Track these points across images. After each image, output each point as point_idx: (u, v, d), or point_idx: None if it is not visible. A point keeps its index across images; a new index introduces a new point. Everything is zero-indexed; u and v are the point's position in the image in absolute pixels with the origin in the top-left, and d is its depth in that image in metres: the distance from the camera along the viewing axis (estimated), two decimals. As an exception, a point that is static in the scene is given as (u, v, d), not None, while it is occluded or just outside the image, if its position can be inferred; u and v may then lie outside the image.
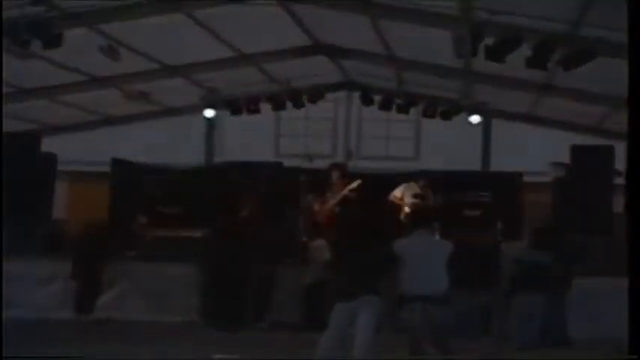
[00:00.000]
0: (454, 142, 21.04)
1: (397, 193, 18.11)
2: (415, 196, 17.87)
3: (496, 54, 13.59)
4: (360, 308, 9.62)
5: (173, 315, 15.26)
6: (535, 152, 19.61)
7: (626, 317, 10.90)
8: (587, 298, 13.53)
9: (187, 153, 21.86)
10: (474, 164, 21.26)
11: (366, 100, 21.01)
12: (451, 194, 18.65)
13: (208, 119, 21.59)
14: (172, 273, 15.90)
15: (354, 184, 18.11)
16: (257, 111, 21.16)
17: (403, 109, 20.72)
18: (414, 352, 9.69)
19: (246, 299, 14.56)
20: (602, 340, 12.53)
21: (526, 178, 20.07)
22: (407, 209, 17.74)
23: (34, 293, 15.37)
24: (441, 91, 20.03)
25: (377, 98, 20.90)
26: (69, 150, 19.62)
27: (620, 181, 15.87)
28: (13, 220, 16.67)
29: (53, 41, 13.86)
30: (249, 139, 21.44)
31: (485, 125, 21.59)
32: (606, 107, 18.50)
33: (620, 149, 15.69)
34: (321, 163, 20.05)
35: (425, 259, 9.84)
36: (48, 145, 18.15)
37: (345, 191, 17.96)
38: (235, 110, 21.24)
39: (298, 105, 20.99)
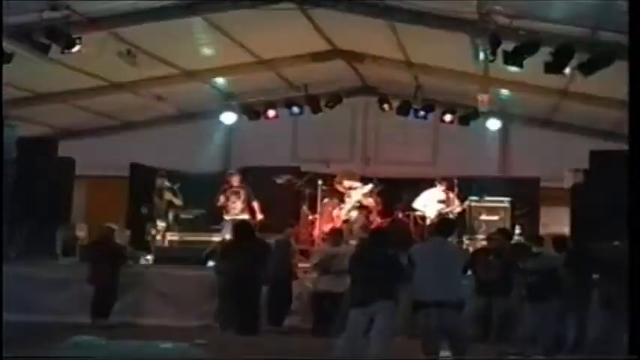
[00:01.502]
0: (471, 148, 20.96)
1: (421, 200, 18.14)
2: (440, 202, 17.92)
3: (514, 59, 13.56)
4: (376, 313, 9.63)
5: (190, 319, 15.28)
6: (553, 157, 19.49)
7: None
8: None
9: (205, 158, 21.85)
10: (491, 170, 21.18)
11: (384, 105, 20.97)
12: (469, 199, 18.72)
13: (227, 124, 21.59)
14: (189, 277, 15.94)
15: (367, 189, 18.15)
16: (275, 116, 21.18)
17: (421, 114, 20.67)
18: (429, 356, 9.66)
19: (261, 303, 14.57)
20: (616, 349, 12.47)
21: (544, 184, 20.01)
22: (431, 216, 17.78)
23: (52, 297, 15.43)
24: (458, 96, 19.98)
25: (394, 103, 20.86)
26: (87, 154, 19.66)
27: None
28: (31, 225, 16.77)
29: (71, 46, 13.93)
30: (267, 144, 21.42)
31: (504, 130, 21.51)
32: (624, 112, 18.39)
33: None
34: (339, 168, 20.11)
35: (441, 265, 9.82)
36: (66, 149, 18.23)
37: (359, 196, 18.00)
38: (253, 115, 21.26)
39: (316, 110, 20.98)
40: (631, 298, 7.82)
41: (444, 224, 11.13)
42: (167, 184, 18.60)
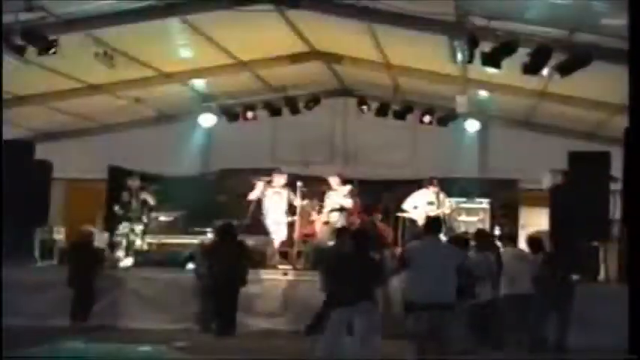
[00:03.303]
0: (450, 149, 20.99)
1: (411, 202, 18.13)
2: (430, 203, 17.92)
3: (492, 60, 13.59)
4: (357, 314, 9.62)
5: (169, 322, 15.26)
6: (532, 158, 19.54)
7: (625, 324, 10.90)
8: (585, 305, 13.51)
9: (184, 160, 21.78)
10: (470, 171, 21.21)
11: (363, 107, 20.98)
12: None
13: (205, 126, 21.53)
14: (168, 279, 15.90)
15: (346, 190, 18.13)
16: (253, 117, 21.14)
17: (399, 116, 20.69)
18: (417, 357, 9.68)
19: (232, 304, 14.57)
20: (599, 347, 12.55)
21: (522, 185, 20.08)
22: (420, 218, 17.77)
23: (30, 300, 15.34)
24: (437, 97, 20.00)
25: (373, 105, 20.87)
26: (65, 157, 19.55)
27: (616, 187, 15.86)
28: (8, 228, 16.63)
29: (48, 48, 13.84)
30: (246, 146, 21.36)
31: (483, 131, 21.55)
32: (603, 113, 18.50)
33: (617, 155, 15.69)
34: (317, 170, 20.09)
35: (435, 266, 9.82)
36: (43, 152, 18.10)
37: (339, 197, 17.98)
38: (232, 117, 21.21)
39: (295, 111, 20.97)
40: (631, 298, 7.86)
41: (435, 222, 11.10)
42: (140, 183, 18.47)
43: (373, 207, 19.17)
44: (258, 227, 17.74)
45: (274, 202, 17.75)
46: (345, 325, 9.78)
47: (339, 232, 14.85)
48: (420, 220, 17.49)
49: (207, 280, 14.74)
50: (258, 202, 17.83)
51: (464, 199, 19.20)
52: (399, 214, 18.68)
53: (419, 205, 18.09)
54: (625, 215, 8.07)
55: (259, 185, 17.79)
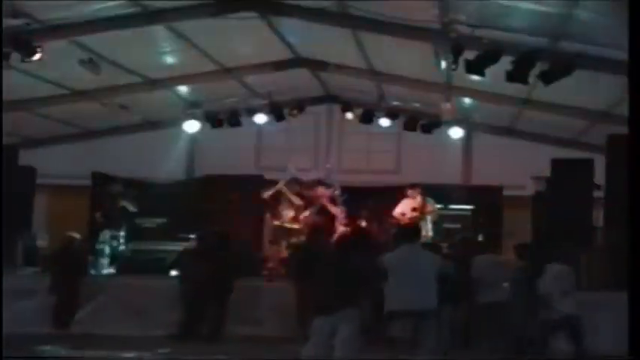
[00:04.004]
0: (435, 156, 21.04)
1: (399, 209, 18.11)
2: (413, 209, 17.91)
3: (476, 67, 13.65)
4: (341, 321, 9.60)
5: (152, 329, 15.20)
6: (515, 165, 19.62)
7: (607, 329, 10.97)
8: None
9: (169, 166, 21.77)
10: (453, 178, 21.28)
11: (347, 114, 21.00)
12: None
13: (190, 132, 21.50)
14: (151, 286, 15.86)
15: (330, 192, 18.11)
16: (238, 124, 21.13)
17: (384, 123, 20.72)
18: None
19: (224, 311, 14.55)
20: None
21: (507, 192, 20.13)
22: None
23: (13, 307, 15.25)
24: (421, 104, 20.05)
25: (358, 111, 20.90)
26: (49, 163, 19.52)
27: (599, 194, 15.94)
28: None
29: (32, 53, 13.82)
30: (230, 152, 21.36)
31: (466, 139, 21.63)
32: (586, 121, 18.61)
33: (599, 162, 15.78)
34: (302, 177, 20.09)
35: (414, 273, 9.83)
36: (27, 158, 18.07)
37: (322, 201, 17.95)
38: (216, 123, 21.20)
39: (279, 118, 20.99)
40: (631, 297, 7.90)
41: (411, 229, 11.10)
42: (121, 190, 18.43)
43: (357, 214, 19.21)
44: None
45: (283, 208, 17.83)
46: (327, 333, 9.76)
47: (313, 234, 15.00)
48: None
49: (194, 286, 14.70)
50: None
51: (448, 206, 19.21)
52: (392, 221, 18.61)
53: (405, 212, 18.10)
54: (628, 217, 8.08)
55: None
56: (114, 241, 17.81)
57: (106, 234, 17.79)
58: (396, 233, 11.33)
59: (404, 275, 9.79)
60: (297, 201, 17.99)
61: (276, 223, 17.92)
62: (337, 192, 18.19)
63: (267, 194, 18.13)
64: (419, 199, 18.10)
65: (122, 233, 18.04)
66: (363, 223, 18.89)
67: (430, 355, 9.77)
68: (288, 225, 17.84)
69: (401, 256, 10.39)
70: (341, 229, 17.80)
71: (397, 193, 19.00)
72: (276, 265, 17.17)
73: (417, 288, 9.72)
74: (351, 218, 18.72)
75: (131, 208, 18.34)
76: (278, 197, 18.21)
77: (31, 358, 10.68)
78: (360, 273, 10.12)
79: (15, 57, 13.87)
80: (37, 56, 13.90)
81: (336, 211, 18.06)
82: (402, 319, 9.68)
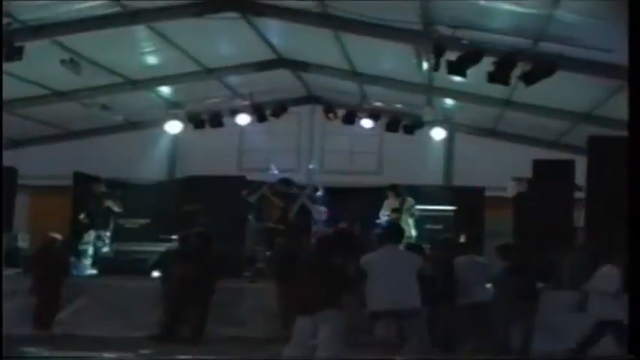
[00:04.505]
0: (417, 157, 21.09)
1: (382, 211, 18.11)
2: (394, 210, 17.90)
3: (458, 68, 13.69)
4: (322, 321, 9.60)
5: (134, 330, 15.16)
6: (497, 167, 19.67)
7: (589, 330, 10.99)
8: (549, 312, 13.59)
9: (150, 167, 21.74)
10: (435, 178, 21.33)
11: (329, 115, 21.01)
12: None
13: (172, 133, 21.46)
14: (133, 287, 15.81)
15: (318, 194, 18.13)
16: (220, 125, 21.10)
17: (366, 124, 20.75)
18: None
19: (207, 312, 14.53)
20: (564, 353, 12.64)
21: (488, 193, 20.18)
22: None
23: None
24: (403, 105, 20.09)
25: (340, 112, 20.92)
26: (30, 164, 19.45)
27: (580, 195, 16.00)
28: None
29: (14, 54, 13.77)
30: (212, 153, 21.34)
31: (448, 140, 21.68)
32: (567, 122, 18.69)
33: (581, 163, 15.85)
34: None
35: (395, 273, 9.84)
36: (9, 159, 17.99)
37: (303, 200, 17.95)
38: (198, 124, 21.17)
39: (261, 119, 20.97)
40: (631, 297, 7.93)
41: (392, 230, 11.12)
42: (105, 190, 18.38)
43: (339, 215, 19.24)
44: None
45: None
46: (309, 333, 9.76)
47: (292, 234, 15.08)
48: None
49: (177, 287, 14.66)
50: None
51: (429, 207, 19.21)
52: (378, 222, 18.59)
53: (387, 214, 18.10)
54: (628, 217, 8.11)
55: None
56: (99, 241, 17.74)
57: (91, 234, 17.71)
58: (380, 234, 11.31)
59: (386, 275, 9.80)
60: (280, 202, 17.98)
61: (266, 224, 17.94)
62: (320, 192, 18.19)
63: (251, 198, 18.08)
64: (397, 199, 18.11)
65: (108, 234, 17.98)
66: (345, 224, 18.95)
67: (415, 354, 9.78)
68: (273, 226, 17.85)
69: (382, 256, 10.40)
70: (322, 229, 17.84)
71: (379, 194, 19.05)
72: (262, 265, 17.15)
73: (399, 288, 9.73)
74: (333, 219, 18.77)
75: (116, 208, 18.27)
76: (263, 200, 18.21)
77: (31, 358, 10.63)
78: (341, 273, 10.13)
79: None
80: (18, 56, 13.86)
81: (317, 210, 18.08)
82: (385, 319, 9.69)
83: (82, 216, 18.05)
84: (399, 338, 9.62)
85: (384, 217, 18.00)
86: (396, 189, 18.12)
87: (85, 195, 18.42)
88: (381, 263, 10.09)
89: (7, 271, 17.30)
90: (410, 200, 18.05)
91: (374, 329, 10.07)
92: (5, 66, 14.52)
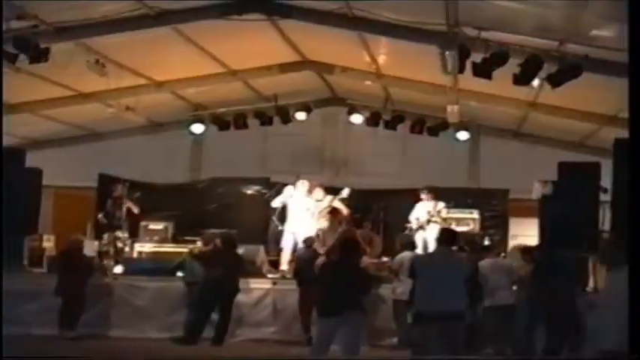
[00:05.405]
0: (441, 159, 21.00)
1: (414, 214, 18.04)
2: (428, 213, 17.84)
3: (483, 70, 13.62)
4: (343, 324, 9.59)
5: (157, 331, 15.22)
6: (522, 169, 19.56)
7: (614, 331, 10.92)
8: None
9: (175, 168, 21.78)
10: (460, 181, 21.24)
11: (353, 116, 20.96)
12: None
13: (195, 135, 21.48)
14: (156, 288, 15.85)
15: (344, 193, 18.05)
16: (244, 126, 21.10)
17: (390, 125, 20.68)
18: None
19: (230, 313, 14.57)
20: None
21: (513, 195, 20.09)
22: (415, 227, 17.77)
23: (19, 308, 15.27)
24: (428, 107, 20.03)
25: (364, 114, 20.87)
26: (55, 165, 19.50)
27: (605, 197, 15.89)
28: (-2, 236, 16.60)
29: (39, 56, 13.83)
30: (237, 155, 21.34)
31: (473, 141, 21.58)
32: (592, 124, 18.58)
33: (606, 166, 15.74)
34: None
35: (444, 276, 9.82)
36: (33, 160, 18.06)
37: (334, 201, 17.88)
38: (222, 126, 21.17)
39: (285, 120, 20.95)
40: (631, 297, 7.87)
41: (446, 234, 11.11)
42: (125, 192, 18.44)
43: (363, 216, 19.25)
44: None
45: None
46: (331, 335, 9.76)
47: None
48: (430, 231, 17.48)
49: (202, 288, 14.70)
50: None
51: (454, 209, 19.14)
52: (407, 225, 18.50)
53: (420, 217, 18.03)
54: (629, 217, 8.05)
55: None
56: (117, 242, 17.78)
57: (109, 235, 17.78)
58: (437, 237, 11.32)
59: (435, 277, 9.79)
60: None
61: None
62: (345, 194, 18.10)
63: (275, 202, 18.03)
64: (432, 202, 18.05)
65: (126, 235, 18.02)
66: (369, 226, 18.95)
67: (454, 356, 9.76)
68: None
69: (431, 259, 10.49)
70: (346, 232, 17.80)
71: (404, 196, 19.04)
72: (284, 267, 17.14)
73: (447, 291, 9.71)
74: (358, 221, 18.75)
75: (135, 209, 18.32)
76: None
77: (31, 358, 10.66)
78: (360, 275, 10.15)
79: (22, 59, 13.90)
80: (44, 58, 13.94)
81: (344, 211, 18.03)
82: (431, 320, 9.67)
83: (100, 216, 18.13)
84: (441, 341, 9.60)
85: (415, 220, 17.96)
86: (431, 191, 18.10)
87: (108, 196, 18.50)
88: (432, 265, 10.11)
89: (32, 272, 17.41)
90: (441, 204, 18.03)
91: (415, 330, 10.12)
92: (31, 67, 14.62)
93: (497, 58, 13.30)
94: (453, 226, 18.67)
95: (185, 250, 16.69)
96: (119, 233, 17.86)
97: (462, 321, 9.83)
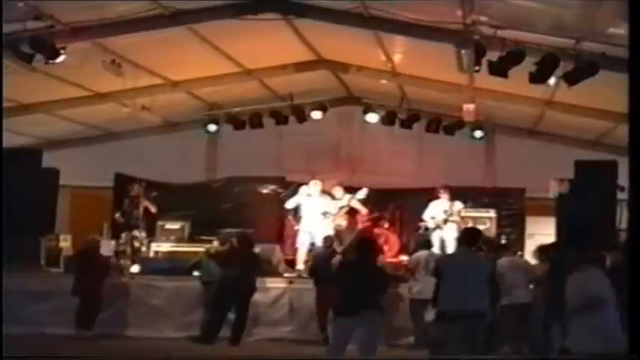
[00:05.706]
0: (457, 158, 20.93)
1: (428, 212, 18.00)
2: (445, 212, 17.79)
3: (499, 69, 13.58)
4: (360, 323, 9.58)
5: (174, 330, 15.24)
6: (538, 167, 19.49)
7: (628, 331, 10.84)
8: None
9: (190, 168, 21.80)
10: (476, 180, 21.18)
11: (369, 115, 20.92)
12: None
13: (211, 134, 21.49)
14: (173, 288, 15.88)
15: (362, 194, 18.04)
16: (260, 126, 21.09)
17: (406, 124, 20.64)
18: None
19: (247, 312, 14.58)
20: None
21: (529, 194, 20.03)
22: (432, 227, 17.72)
23: (36, 308, 15.34)
24: (444, 106, 19.98)
25: (380, 113, 20.83)
26: (71, 165, 19.56)
27: (623, 196, 15.82)
28: (14, 236, 16.64)
29: (55, 56, 13.88)
30: (252, 154, 21.34)
31: (489, 140, 21.52)
32: (609, 122, 18.49)
33: (623, 164, 15.66)
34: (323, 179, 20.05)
35: (467, 275, 9.82)
36: (50, 160, 18.13)
37: (352, 200, 17.87)
38: (238, 125, 21.18)
39: (301, 120, 20.93)
40: (631, 297, 7.83)
41: (469, 234, 11.09)
42: (142, 191, 18.47)
43: (379, 215, 19.23)
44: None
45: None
46: (348, 335, 9.76)
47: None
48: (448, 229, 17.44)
49: (219, 287, 14.72)
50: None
51: (470, 208, 19.10)
52: (420, 224, 18.47)
53: (435, 215, 17.98)
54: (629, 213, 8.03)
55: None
56: (134, 241, 17.82)
57: (127, 235, 17.81)
58: (459, 236, 11.34)
59: (458, 277, 9.78)
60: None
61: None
62: (362, 194, 18.08)
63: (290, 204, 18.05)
64: (448, 201, 18.00)
65: (143, 234, 18.05)
66: (386, 225, 18.93)
67: (474, 356, 9.75)
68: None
69: (454, 258, 10.50)
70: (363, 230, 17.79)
71: (420, 195, 19.01)
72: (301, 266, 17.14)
73: (470, 290, 9.71)
74: (374, 220, 18.74)
75: (152, 209, 18.36)
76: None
77: (31, 358, 10.69)
78: (378, 276, 10.15)
79: (38, 59, 13.94)
80: (60, 58, 14.00)
81: (362, 210, 18.02)
82: (455, 319, 9.66)
83: (117, 216, 18.18)
84: (463, 339, 9.59)
85: (430, 218, 17.92)
86: (449, 190, 18.05)
87: (125, 196, 18.54)
88: (456, 264, 10.11)
89: (49, 271, 17.46)
90: (458, 203, 17.98)
91: (437, 329, 10.11)
92: (47, 68, 14.66)
93: (513, 56, 13.27)
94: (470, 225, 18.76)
95: (201, 249, 16.71)
96: (136, 233, 17.88)
97: (484, 320, 9.83)
